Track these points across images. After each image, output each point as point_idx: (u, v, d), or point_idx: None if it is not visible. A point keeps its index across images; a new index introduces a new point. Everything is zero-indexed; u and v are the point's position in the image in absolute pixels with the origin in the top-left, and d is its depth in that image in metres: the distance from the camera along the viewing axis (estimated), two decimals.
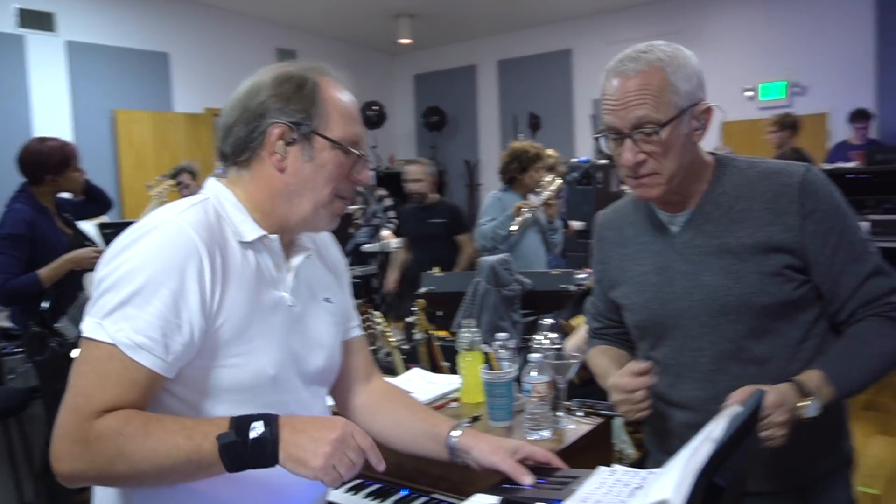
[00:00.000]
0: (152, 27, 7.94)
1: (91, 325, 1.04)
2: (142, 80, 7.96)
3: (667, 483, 0.56)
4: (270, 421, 1.02)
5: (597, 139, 1.46)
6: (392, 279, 5.00)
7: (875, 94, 7.54)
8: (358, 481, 2.12)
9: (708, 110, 1.37)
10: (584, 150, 8.76)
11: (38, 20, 7.06)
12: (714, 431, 0.66)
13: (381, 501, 2.00)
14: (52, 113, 6.99)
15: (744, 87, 8.29)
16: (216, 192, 1.21)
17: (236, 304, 1.12)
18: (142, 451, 0.99)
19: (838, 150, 7.01)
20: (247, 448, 1.00)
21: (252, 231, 1.18)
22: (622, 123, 1.31)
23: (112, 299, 1.04)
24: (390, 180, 9.25)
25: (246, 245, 1.17)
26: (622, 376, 1.34)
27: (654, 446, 1.60)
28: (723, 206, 1.40)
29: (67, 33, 7.26)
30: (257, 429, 1.00)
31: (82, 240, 3.38)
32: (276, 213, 1.21)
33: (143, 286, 1.04)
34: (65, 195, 3.50)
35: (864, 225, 5.57)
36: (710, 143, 7.92)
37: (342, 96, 1.24)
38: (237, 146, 1.20)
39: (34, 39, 6.98)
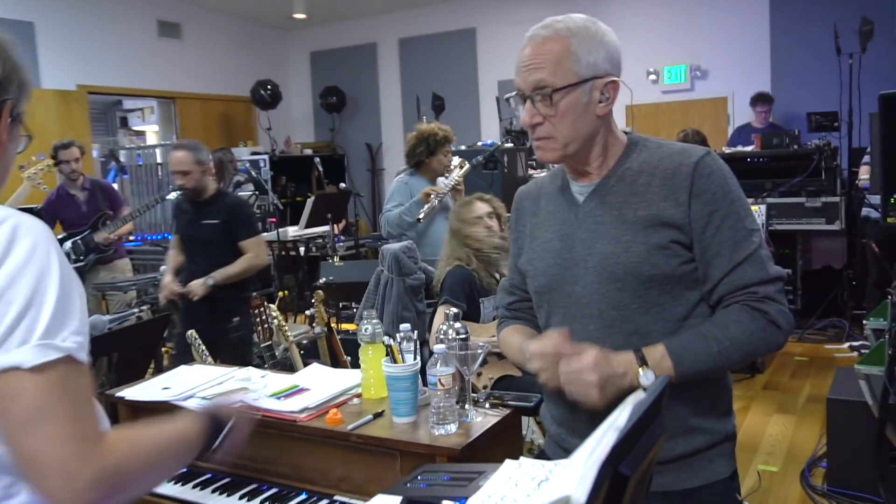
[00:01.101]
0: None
1: (33, 351, 0.91)
2: None
3: (570, 478, 0.57)
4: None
5: (507, 100, 1.53)
6: (167, 281, 4.03)
7: (770, 77, 7.94)
8: (253, 486, 2.08)
9: (614, 85, 1.46)
10: (490, 132, 8.84)
11: None
12: (618, 420, 0.67)
13: (251, 499, 1.96)
14: None
15: (648, 69, 8.56)
16: None
17: None
18: (155, 462, 1.07)
19: (741, 133, 7.33)
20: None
21: None
22: (523, 85, 1.44)
23: (39, 317, 0.93)
24: (286, 164, 9.09)
25: None
26: (542, 341, 1.44)
27: (551, 420, 1.66)
28: (626, 180, 1.49)
29: None
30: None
31: None
32: None
33: (58, 293, 0.95)
34: None
35: (759, 210, 5.87)
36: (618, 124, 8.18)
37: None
38: None
39: None
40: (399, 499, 1.12)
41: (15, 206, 3.43)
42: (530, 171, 6.60)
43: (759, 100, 7.22)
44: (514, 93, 1.49)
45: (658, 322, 1.44)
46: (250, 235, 3.99)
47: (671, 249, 1.42)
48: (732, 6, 8.11)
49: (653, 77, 8.58)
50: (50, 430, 0.90)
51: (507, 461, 1.16)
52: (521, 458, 1.16)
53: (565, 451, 1.47)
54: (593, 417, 1.38)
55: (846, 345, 5.89)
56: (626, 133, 1.59)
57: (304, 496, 1.99)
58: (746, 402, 4.88)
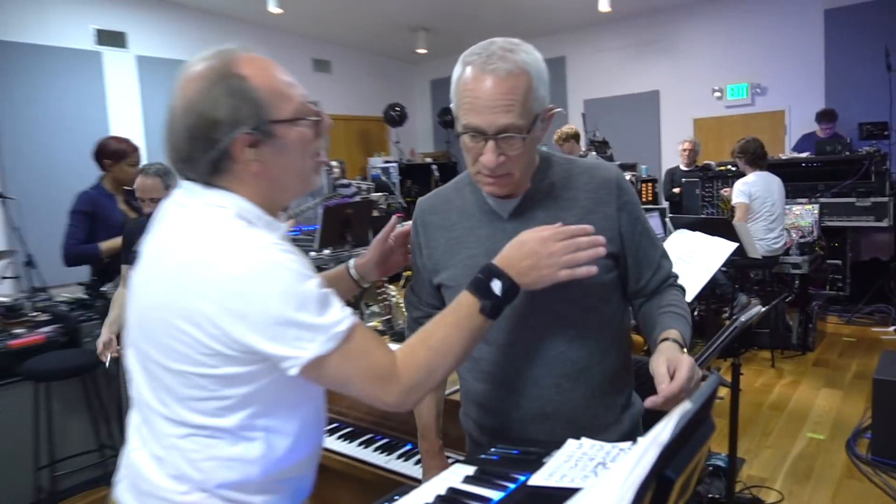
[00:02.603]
0: (209, 43, 7.77)
1: (322, 342, 0.93)
2: None
3: (607, 496, 0.47)
4: (498, 274, 1.08)
5: (458, 137, 1.19)
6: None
7: (825, 92, 7.29)
8: (369, 436, 2.06)
9: (552, 113, 1.22)
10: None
11: (113, 38, 6.97)
12: (661, 434, 0.56)
13: (388, 454, 1.94)
14: (125, 119, 6.93)
15: (713, 87, 8.05)
16: (229, 203, 0.98)
17: None
18: (442, 348, 1.03)
19: (805, 141, 6.79)
20: (502, 300, 1.07)
21: (277, 227, 1.04)
22: (487, 126, 1.13)
23: (310, 313, 0.93)
24: (410, 171, 9.17)
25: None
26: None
27: (476, 428, 1.39)
28: (551, 195, 1.28)
29: (137, 49, 7.17)
30: (496, 286, 1.07)
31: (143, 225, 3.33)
32: (275, 202, 1.04)
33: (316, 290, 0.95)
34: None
35: (812, 209, 5.44)
36: (683, 135, 7.69)
37: (267, 70, 1.00)
38: (205, 170, 0.98)
39: (110, 56, 6.90)
40: (474, 468, 1.04)
41: None
42: None
43: (824, 117, 6.56)
44: (466, 131, 1.16)
45: (593, 325, 1.28)
46: None
47: (604, 260, 1.22)
48: (790, 28, 7.47)
49: (717, 94, 8.04)
50: (357, 389, 0.98)
51: (569, 440, 1.06)
52: (583, 439, 1.06)
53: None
54: (532, 422, 1.29)
55: (892, 328, 5.38)
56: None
57: (409, 447, 1.96)
58: (797, 377, 4.52)
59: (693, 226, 4.01)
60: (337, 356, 0.94)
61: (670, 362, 1.08)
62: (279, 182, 1.02)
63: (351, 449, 2.01)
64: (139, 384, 1.04)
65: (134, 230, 2.95)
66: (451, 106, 1.20)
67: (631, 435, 1.33)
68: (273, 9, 7.11)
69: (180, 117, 0.97)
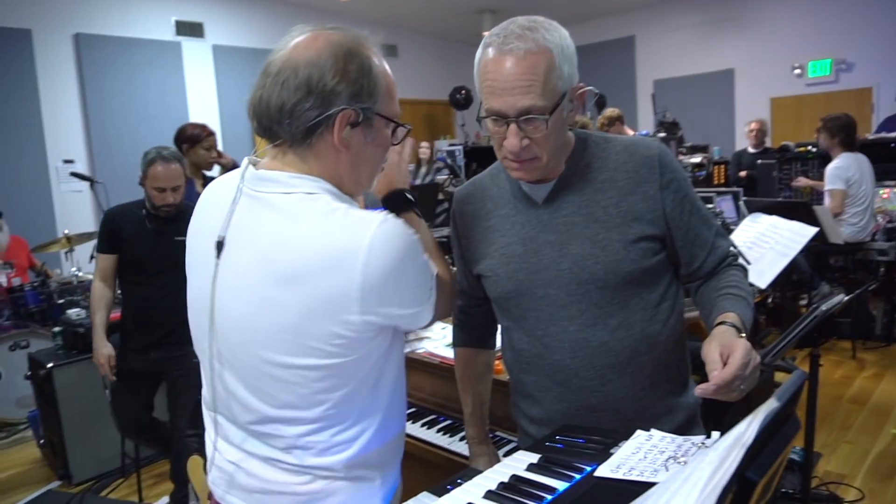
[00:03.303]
0: (281, 31, 7.93)
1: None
2: None
3: (689, 498, 0.43)
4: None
5: (479, 121, 1.14)
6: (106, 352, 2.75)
7: None
8: (432, 416, 2.06)
9: (583, 92, 1.15)
10: (646, 124, 8.30)
11: (191, 29, 7.21)
12: (745, 434, 0.51)
13: (451, 436, 1.93)
14: (203, 105, 7.17)
15: (793, 65, 7.60)
16: (320, 187, 0.96)
17: None
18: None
19: (889, 122, 6.33)
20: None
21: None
22: (508, 109, 1.07)
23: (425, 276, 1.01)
24: (476, 153, 9.12)
25: None
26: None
27: (525, 419, 1.35)
28: (587, 178, 1.20)
29: (214, 38, 7.39)
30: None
31: None
32: (353, 186, 1.03)
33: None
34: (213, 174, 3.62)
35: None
36: (759, 114, 7.32)
37: (387, 69, 1.01)
38: (302, 130, 0.95)
39: (188, 45, 7.14)
40: (538, 456, 1.01)
41: None
42: (680, 157, 6.12)
43: None
44: (487, 115, 1.11)
45: (638, 312, 1.19)
46: None
47: (645, 242, 1.17)
48: None
49: (797, 71, 7.60)
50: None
51: (639, 431, 1.01)
52: (652, 430, 1.01)
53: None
54: (577, 413, 1.22)
55: None
56: (570, 130, 1.23)
57: None
58: (881, 370, 4.24)
59: (769, 209, 3.81)
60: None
61: (724, 347, 0.99)
62: (356, 169, 1.00)
63: (415, 429, 2.01)
64: (234, 391, 0.99)
65: (117, 218, 2.77)
66: (476, 89, 1.15)
67: (687, 426, 1.26)
68: None
69: (303, 69, 0.93)
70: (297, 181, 0.95)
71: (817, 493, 2.75)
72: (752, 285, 3.40)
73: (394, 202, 1.17)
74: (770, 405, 0.58)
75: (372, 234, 0.90)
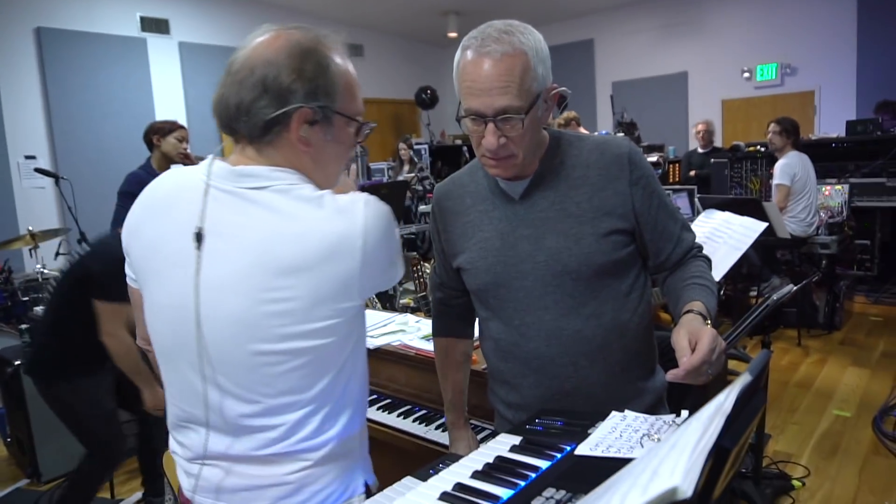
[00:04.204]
0: (247, 28, 7.83)
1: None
2: None
3: (677, 466, 0.46)
4: None
5: (458, 121, 1.18)
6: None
7: (856, 71, 7.04)
8: (408, 407, 2.08)
9: (556, 93, 1.18)
10: (605, 125, 8.45)
11: (157, 25, 7.03)
12: (724, 403, 0.55)
13: (426, 425, 1.95)
14: (169, 103, 7.01)
15: (742, 68, 7.84)
16: (291, 175, 0.96)
17: None
18: None
19: (883, 108, 6.30)
20: None
21: None
22: (485, 109, 1.11)
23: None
24: (441, 152, 9.14)
25: None
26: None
27: (502, 404, 1.38)
28: (561, 175, 1.24)
29: (180, 35, 7.23)
30: None
31: None
32: (320, 181, 1.00)
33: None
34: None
35: (842, 189, 5.27)
36: (711, 115, 7.49)
37: (349, 67, 1.00)
38: (259, 127, 0.94)
39: (153, 42, 6.96)
40: (519, 438, 1.04)
41: None
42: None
43: (882, 108, 6.05)
44: (466, 115, 1.14)
45: (609, 301, 1.24)
46: None
47: (615, 236, 1.22)
48: (821, 6, 7.22)
49: (746, 75, 7.84)
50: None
51: (614, 412, 1.05)
52: (626, 411, 1.05)
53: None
54: (552, 398, 1.26)
55: None
56: (544, 129, 1.27)
57: (445, 418, 1.96)
58: (824, 356, 4.42)
59: (722, 206, 3.92)
60: None
61: (692, 335, 1.03)
62: (320, 166, 1.00)
63: (391, 419, 2.02)
64: (230, 391, 0.96)
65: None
66: (456, 90, 1.17)
67: (654, 408, 1.31)
68: None
69: (260, 68, 0.93)
70: (278, 174, 0.95)
71: (768, 471, 2.86)
72: None
73: None
74: (744, 378, 0.62)
75: (363, 215, 0.93)
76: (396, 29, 9.53)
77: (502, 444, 1.03)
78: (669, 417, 1.02)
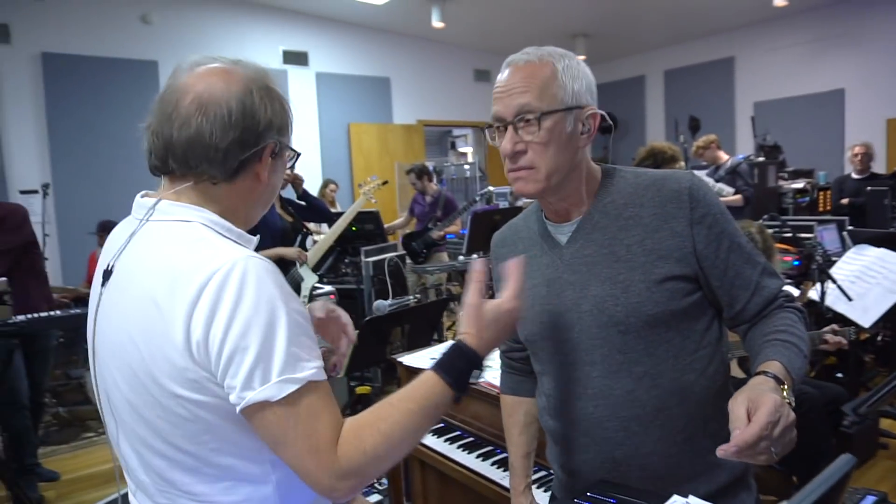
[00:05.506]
0: (379, 57, 8.24)
1: (275, 388, 0.81)
2: (370, 100, 8.32)
3: None
4: (474, 360, 0.95)
5: (483, 131, 1.13)
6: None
7: None
8: (489, 448, 1.97)
9: (594, 116, 1.08)
10: (745, 148, 7.80)
11: (297, 58, 7.56)
12: None
13: (504, 470, 1.82)
14: (304, 132, 7.49)
15: None
16: (201, 217, 0.91)
17: None
18: (395, 434, 0.86)
19: None
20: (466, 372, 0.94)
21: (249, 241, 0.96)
22: (505, 111, 1.06)
23: (277, 354, 0.82)
24: None
25: None
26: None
27: (557, 465, 1.24)
28: (611, 215, 1.11)
29: (317, 66, 7.72)
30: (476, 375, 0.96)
31: (299, 228, 3.50)
32: (247, 219, 0.98)
33: (287, 333, 0.83)
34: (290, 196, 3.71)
35: None
36: (873, 137, 6.70)
37: (284, 97, 0.99)
38: (232, 167, 0.91)
39: (293, 72, 7.49)
40: None
41: (353, 213, 3.52)
42: (780, 182, 5.68)
43: None
44: (492, 125, 1.09)
45: (668, 360, 1.06)
46: None
47: (673, 283, 1.05)
48: None
49: None
50: (290, 451, 0.83)
51: (675, 497, 0.88)
52: (690, 497, 0.88)
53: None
54: (601, 466, 1.10)
55: None
56: (598, 165, 1.16)
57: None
58: None
59: (877, 241, 3.43)
60: (282, 407, 0.82)
61: (752, 402, 0.85)
62: (259, 197, 0.97)
63: (470, 460, 1.93)
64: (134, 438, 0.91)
65: None
66: None
67: (732, 488, 1.10)
68: (436, 23, 7.28)
69: (228, 114, 0.89)
70: (177, 209, 0.91)
71: None
72: (852, 323, 3.06)
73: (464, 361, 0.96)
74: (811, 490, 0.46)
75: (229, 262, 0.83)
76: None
77: None
78: None
